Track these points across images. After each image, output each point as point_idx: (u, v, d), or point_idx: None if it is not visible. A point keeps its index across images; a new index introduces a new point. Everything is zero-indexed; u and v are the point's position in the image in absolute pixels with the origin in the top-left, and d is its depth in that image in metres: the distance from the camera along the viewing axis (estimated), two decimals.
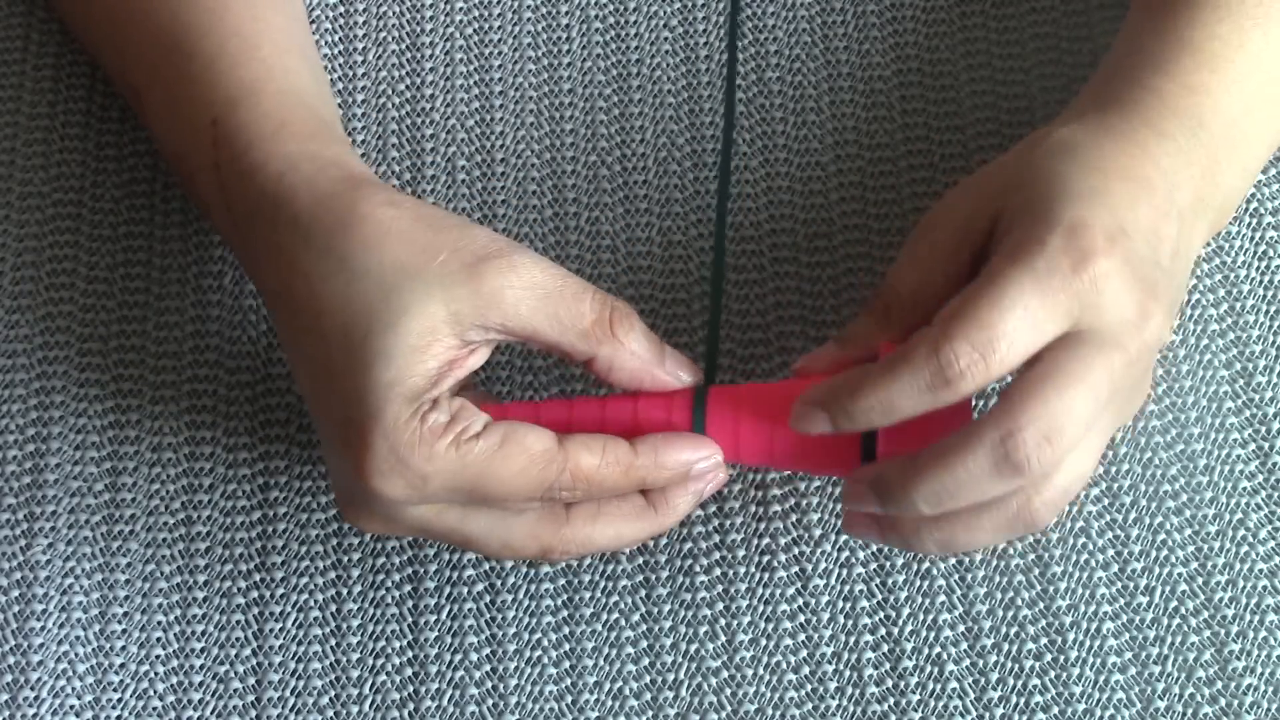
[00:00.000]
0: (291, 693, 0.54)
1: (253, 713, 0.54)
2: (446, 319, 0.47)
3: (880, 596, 0.55)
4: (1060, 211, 0.46)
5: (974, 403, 0.58)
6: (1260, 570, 0.55)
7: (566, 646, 0.55)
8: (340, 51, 0.64)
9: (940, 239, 0.50)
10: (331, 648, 0.55)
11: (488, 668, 0.55)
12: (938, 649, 0.55)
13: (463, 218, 0.50)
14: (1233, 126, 0.52)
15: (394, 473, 0.47)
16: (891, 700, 0.54)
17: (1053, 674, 0.54)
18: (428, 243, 0.48)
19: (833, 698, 0.54)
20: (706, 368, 0.54)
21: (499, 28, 0.65)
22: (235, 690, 0.54)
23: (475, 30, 0.65)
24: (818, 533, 0.56)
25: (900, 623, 0.55)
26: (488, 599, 0.56)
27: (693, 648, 0.55)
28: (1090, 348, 0.46)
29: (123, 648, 0.55)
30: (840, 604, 0.55)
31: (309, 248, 0.49)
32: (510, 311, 0.48)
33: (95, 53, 0.62)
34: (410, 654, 0.55)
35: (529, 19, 0.65)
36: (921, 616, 0.55)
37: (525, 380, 0.58)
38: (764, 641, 0.55)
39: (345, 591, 0.56)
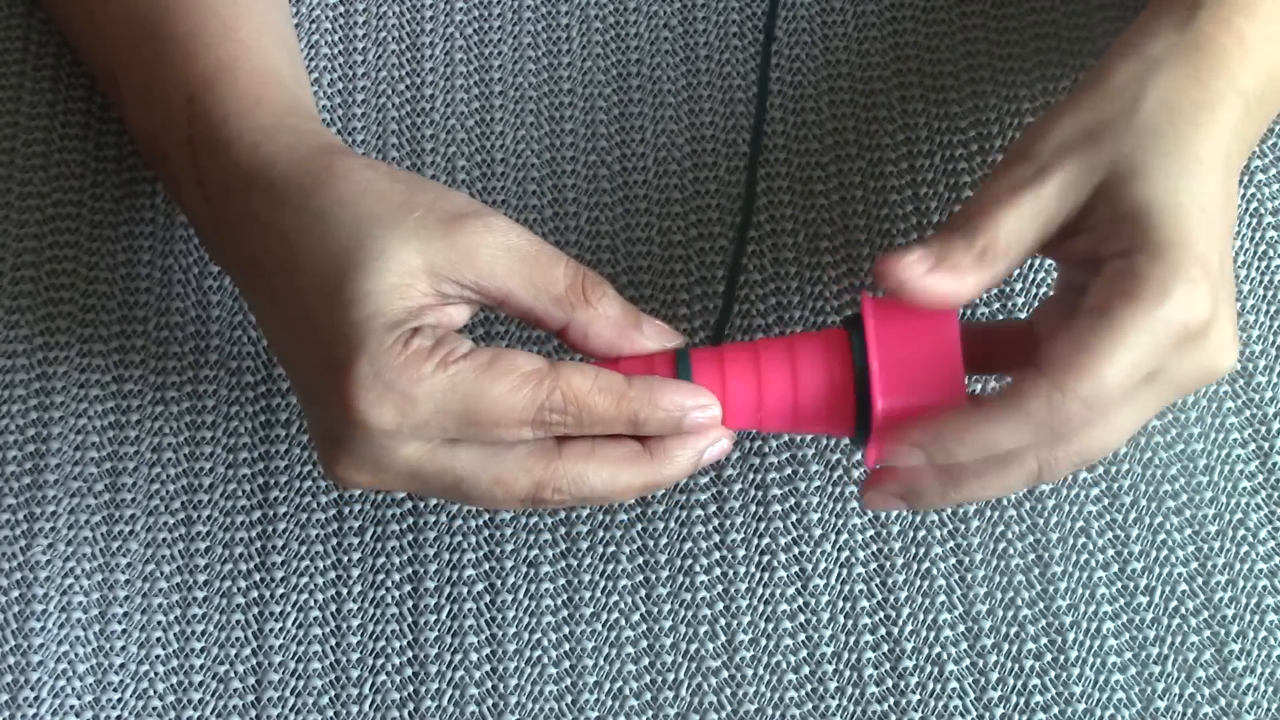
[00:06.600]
0: (291, 693, 0.54)
1: (253, 713, 0.54)
2: (423, 267, 0.47)
3: (880, 596, 0.55)
4: (1177, 246, 0.46)
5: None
6: (1260, 570, 0.55)
7: (566, 646, 0.55)
8: (340, 51, 0.64)
9: (1048, 197, 0.49)
10: (331, 648, 0.55)
11: (488, 668, 0.55)
12: (938, 649, 0.54)
13: (438, 182, 0.50)
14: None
15: (381, 399, 0.46)
16: (891, 700, 0.54)
17: (1053, 674, 0.54)
18: (404, 200, 0.48)
19: (833, 698, 0.54)
20: (715, 334, 0.53)
21: (499, 28, 0.65)
22: (235, 690, 0.54)
23: (475, 30, 0.65)
24: (818, 533, 0.56)
25: (900, 623, 0.55)
26: (488, 599, 0.56)
27: (693, 648, 0.55)
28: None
29: (123, 648, 0.55)
30: (840, 604, 0.55)
31: (285, 208, 0.49)
32: (485, 270, 0.48)
33: (74, 40, 0.62)
34: (410, 654, 0.55)
35: (529, 19, 0.65)
36: (921, 616, 0.55)
37: None
38: (764, 641, 0.55)
39: (345, 591, 0.56)
